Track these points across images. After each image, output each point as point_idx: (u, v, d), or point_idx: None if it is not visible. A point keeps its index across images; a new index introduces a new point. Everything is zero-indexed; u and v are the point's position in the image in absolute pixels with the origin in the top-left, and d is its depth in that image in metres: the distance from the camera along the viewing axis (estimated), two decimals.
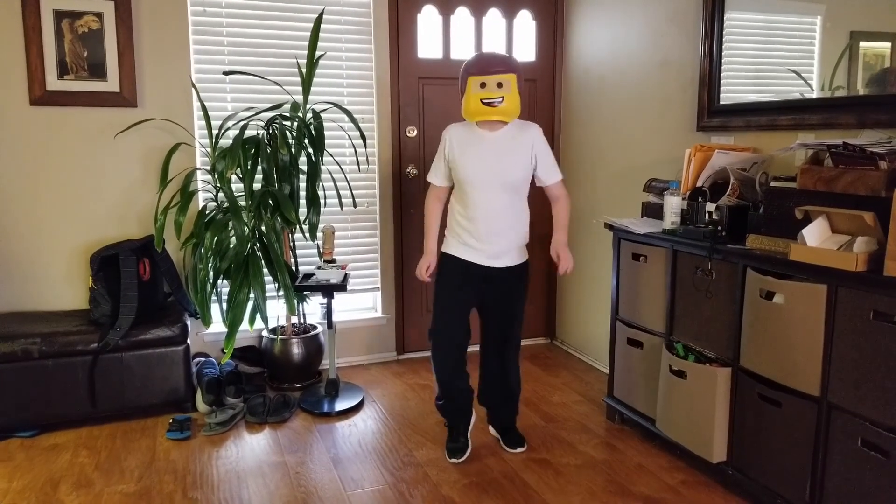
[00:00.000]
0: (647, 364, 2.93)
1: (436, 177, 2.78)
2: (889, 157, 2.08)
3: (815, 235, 2.15)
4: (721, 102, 2.99)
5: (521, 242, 2.76)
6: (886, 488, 1.98)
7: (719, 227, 2.56)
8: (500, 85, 2.57)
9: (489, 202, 2.64)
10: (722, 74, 2.99)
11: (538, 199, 3.50)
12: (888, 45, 2.32)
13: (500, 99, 2.57)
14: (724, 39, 2.97)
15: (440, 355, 2.79)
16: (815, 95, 2.58)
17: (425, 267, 2.81)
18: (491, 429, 3.07)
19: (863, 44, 2.41)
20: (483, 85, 2.57)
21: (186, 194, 3.21)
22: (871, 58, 2.38)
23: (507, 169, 2.63)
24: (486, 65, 2.58)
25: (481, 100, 2.57)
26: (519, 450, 2.92)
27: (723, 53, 2.98)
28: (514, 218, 2.70)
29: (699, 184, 2.77)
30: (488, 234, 2.67)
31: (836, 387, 2.11)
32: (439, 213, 2.82)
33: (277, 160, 3.33)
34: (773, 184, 2.45)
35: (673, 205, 2.77)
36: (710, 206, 2.61)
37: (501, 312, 2.80)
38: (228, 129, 3.53)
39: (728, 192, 2.61)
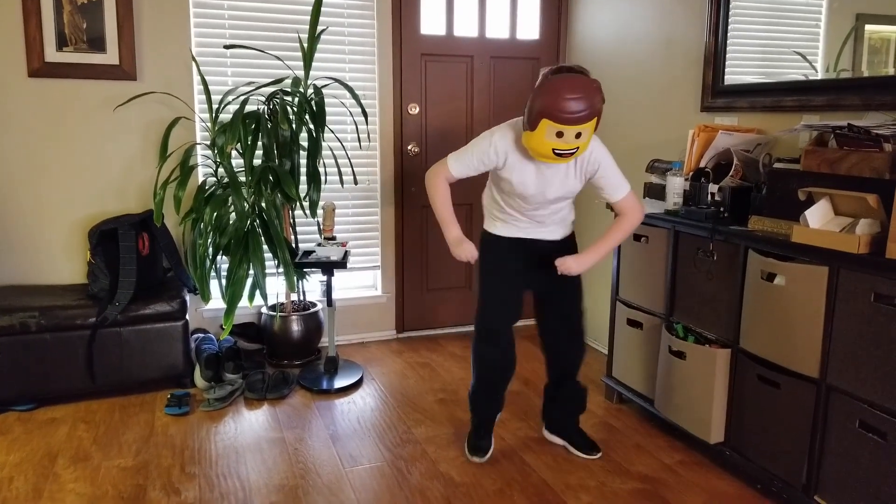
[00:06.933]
0: (646, 345, 2.94)
1: (460, 168, 2.40)
2: (893, 140, 2.06)
3: (818, 217, 2.15)
4: (726, 83, 2.97)
5: (570, 220, 2.61)
6: (884, 470, 1.99)
7: (721, 209, 2.55)
8: (578, 135, 2.13)
9: (536, 210, 2.47)
10: (727, 55, 2.96)
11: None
12: (894, 28, 2.30)
13: (575, 149, 2.18)
14: (729, 20, 2.94)
15: (491, 352, 2.60)
16: (819, 77, 2.56)
17: (468, 253, 2.41)
18: (552, 436, 2.81)
19: (868, 26, 2.39)
20: (560, 135, 2.12)
21: (186, 169, 3.19)
22: (876, 41, 2.36)
23: (565, 191, 2.42)
24: (570, 110, 2.07)
25: (554, 150, 2.16)
26: (597, 455, 2.69)
27: (728, 34, 2.95)
28: (562, 213, 2.55)
29: (702, 165, 2.76)
30: (535, 225, 2.52)
31: (835, 369, 2.11)
32: (448, 194, 2.45)
33: (278, 136, 3.31)
34: (776, 165, 2.44)
35: (675, 185, 2.76)
36: (713, 188, 2.60)
37: (562, 288, 2.58)
38: (229, 103, 3.50)
39: (731, 173, 2.60)
